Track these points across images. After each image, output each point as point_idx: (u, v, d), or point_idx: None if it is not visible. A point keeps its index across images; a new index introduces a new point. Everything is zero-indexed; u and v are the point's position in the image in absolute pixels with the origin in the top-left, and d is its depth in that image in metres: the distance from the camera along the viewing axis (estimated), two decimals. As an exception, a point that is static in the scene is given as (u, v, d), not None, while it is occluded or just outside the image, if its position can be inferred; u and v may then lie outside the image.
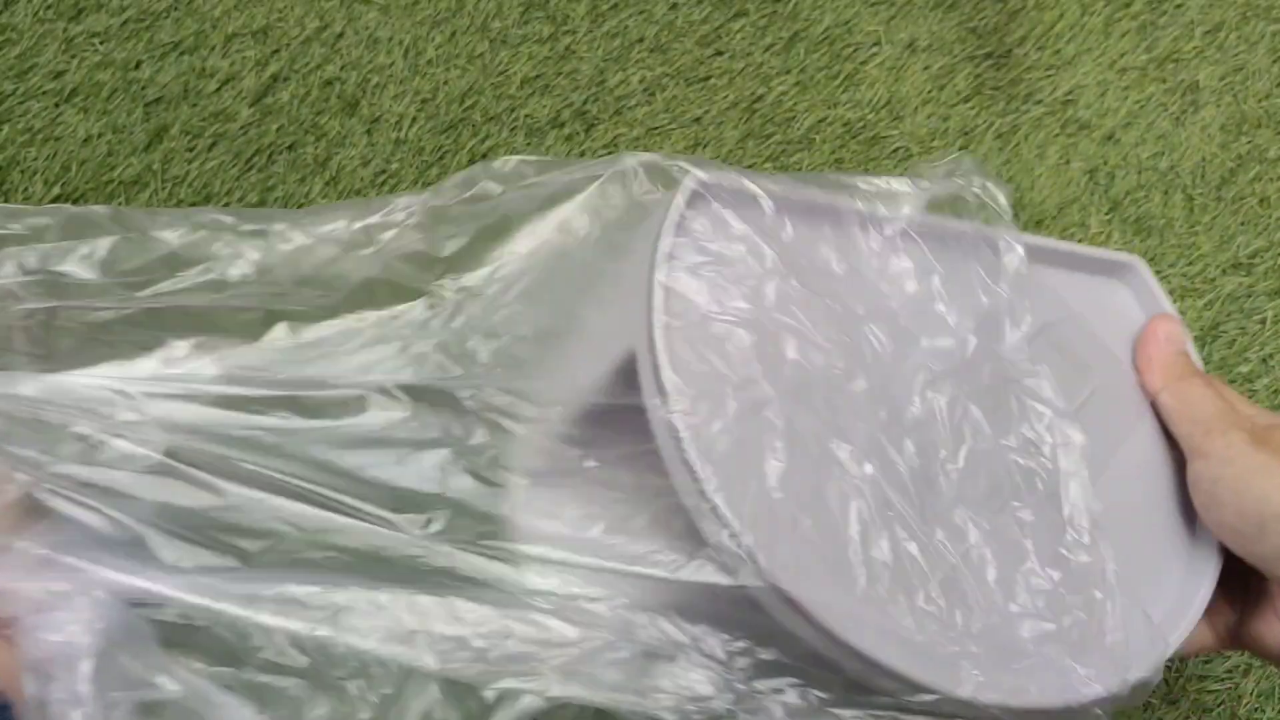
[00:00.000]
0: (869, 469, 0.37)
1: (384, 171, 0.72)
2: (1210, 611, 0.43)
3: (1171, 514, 0.42)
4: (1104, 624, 0.38)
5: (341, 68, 0.77)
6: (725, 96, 0.76)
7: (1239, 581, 0.43)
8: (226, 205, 0.70)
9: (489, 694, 0.34)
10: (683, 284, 0.38)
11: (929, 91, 0.77)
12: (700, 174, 0.38)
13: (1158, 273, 0.71)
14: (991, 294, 0.43)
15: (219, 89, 0.76)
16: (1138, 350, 0.46)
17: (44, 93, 0.75)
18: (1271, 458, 0.38)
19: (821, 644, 0.35)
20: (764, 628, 0.36)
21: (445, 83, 0.77)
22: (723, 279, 0.38)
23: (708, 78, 0.77)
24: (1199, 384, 0.43)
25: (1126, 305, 0.47)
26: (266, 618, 0.33)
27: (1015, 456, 0.40)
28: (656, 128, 0.75)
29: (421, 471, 0.38)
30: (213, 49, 0.78)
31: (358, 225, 0.39)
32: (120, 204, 0.70)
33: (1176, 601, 0.40)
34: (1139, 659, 0.38)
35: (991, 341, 0.42)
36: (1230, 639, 0.44)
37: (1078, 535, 0.39)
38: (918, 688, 0.35)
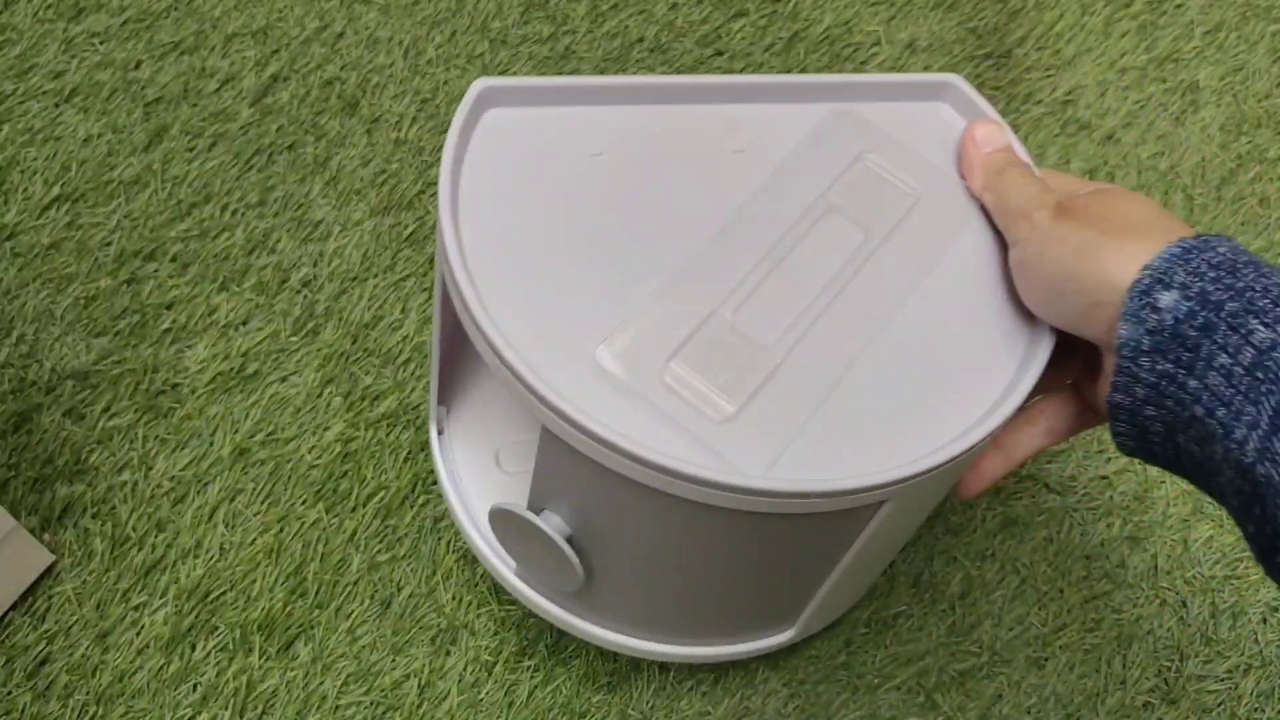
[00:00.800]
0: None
1: (384, 171, 0.72)
2: (1067, 398, 0.44)
3: (1004, 306, 0.43)
4: (914, 406, 0.41)
5: (341, 68, 0.77)
6: (725, 96, 0.77)
7: (1083, 359, 0.44)
8: (225, 205, 0.70)
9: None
10: (479, 180, 0.43)
11: (929, 91, 0.77)
12: (486, 80, 0.44)
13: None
14: (798, 138, 0.46)
15: (219, 89, 0.76)
16: (959, 157, 0.46)
17: (44, 93, 0.75)
18: (1068, 227, 0.38)
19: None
20: None
21: (445, 83, 0.77)
22: (523, 167, 0.43)
23: (708, 78, 0.77)
24: (1016, 173, 0.43)
25: (952, 120, 0.49)
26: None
27: (829, 274, 0.43)
28: (656, 128, 0.75)
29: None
30: (213, 49, 0.78)
31: None
32: (120, 204, 0.70)
33: (1011, 383, 0.41)
34: (955, 438, 0.40)
35: (802, 179, 0.45)
36: (1091, 416, 0.44)
37: (883, 337, 0.42)
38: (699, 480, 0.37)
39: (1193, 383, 0.33)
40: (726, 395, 0.39)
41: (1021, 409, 0.42)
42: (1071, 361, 0.42)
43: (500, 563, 0.51)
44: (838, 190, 0.45)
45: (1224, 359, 0.33)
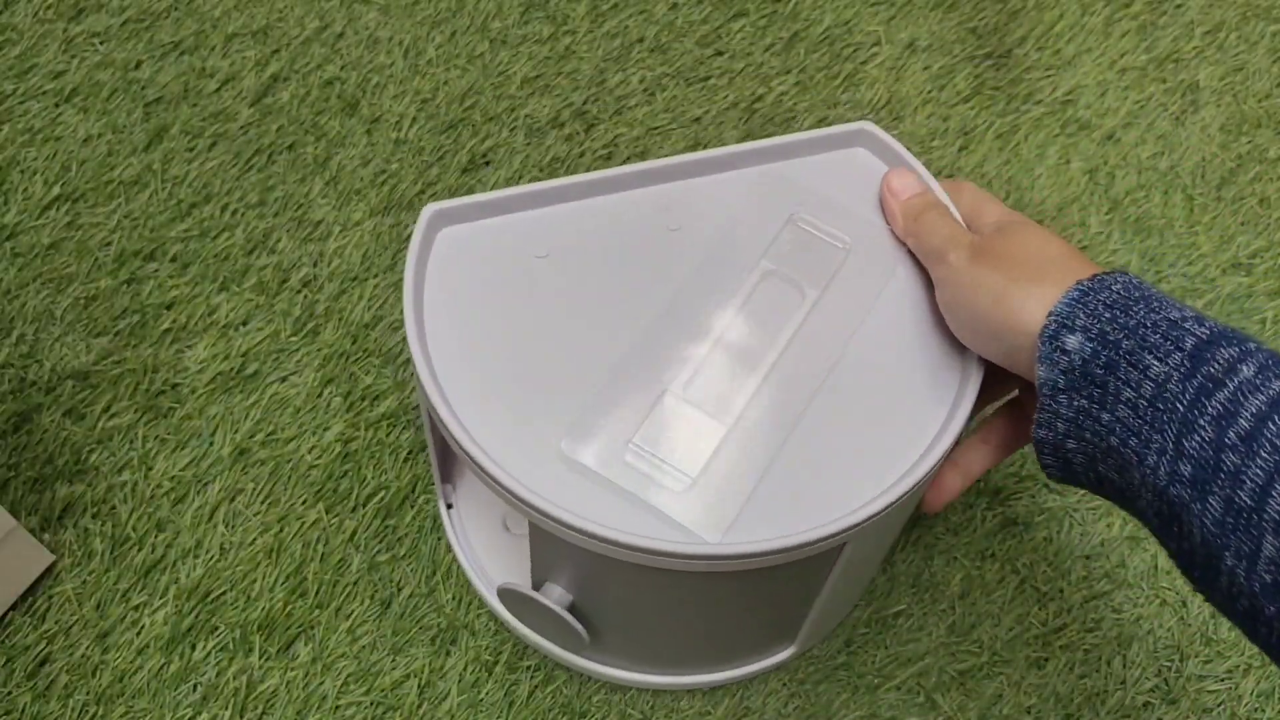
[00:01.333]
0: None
1: (384, 171, 0.72)
2: (1014, 414, 0.46)
3: (938, 340, 0.45)
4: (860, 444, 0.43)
5: (341, 68, 0.77)
6: (725, 96, 0.76)
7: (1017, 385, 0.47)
8: (225, 205, 0.70)
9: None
10: (443, 299, 0.45)
11: (929, 91, 0.77)
12: (435, 205, 0.46)
13: (1158, 274, 0.71)
14: (730, 209, 0.48)
15: (219, 89, 0.76)
16: (881, 205, 0.49)
17: (44, 93, 0.75)
18: (981, 271, 0.41)
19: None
20: None
21: (445, 83, 0.77)
22: (481, 280, 0.46)
23: (708, 78, 0.77)
24: (932, 216, 0.45)
25: (870, 164, 0.50)
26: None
27: (771, 335, 0.45)
28: (656, 128, 0.75)
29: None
30: (213, 49, 0.78)
31: None
32: (120, 204, 0.70)
33: (949, 414, 0.43)
34: (901, 476, 0.42)
35: (737, 247, 0.47)
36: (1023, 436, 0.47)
37: (822, 390, 0.44)
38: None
39: (1106, 415, 0.36)
40: (683, 467, 0.42)
41: (971, 431, 0.43)
42: (1012, 377, 0.44)
43: (526, 628, 0.54)
44: (773, 254, 0.47)
45: (1129, 393, 0.35)
